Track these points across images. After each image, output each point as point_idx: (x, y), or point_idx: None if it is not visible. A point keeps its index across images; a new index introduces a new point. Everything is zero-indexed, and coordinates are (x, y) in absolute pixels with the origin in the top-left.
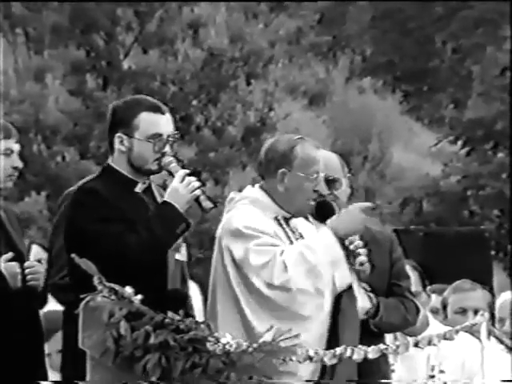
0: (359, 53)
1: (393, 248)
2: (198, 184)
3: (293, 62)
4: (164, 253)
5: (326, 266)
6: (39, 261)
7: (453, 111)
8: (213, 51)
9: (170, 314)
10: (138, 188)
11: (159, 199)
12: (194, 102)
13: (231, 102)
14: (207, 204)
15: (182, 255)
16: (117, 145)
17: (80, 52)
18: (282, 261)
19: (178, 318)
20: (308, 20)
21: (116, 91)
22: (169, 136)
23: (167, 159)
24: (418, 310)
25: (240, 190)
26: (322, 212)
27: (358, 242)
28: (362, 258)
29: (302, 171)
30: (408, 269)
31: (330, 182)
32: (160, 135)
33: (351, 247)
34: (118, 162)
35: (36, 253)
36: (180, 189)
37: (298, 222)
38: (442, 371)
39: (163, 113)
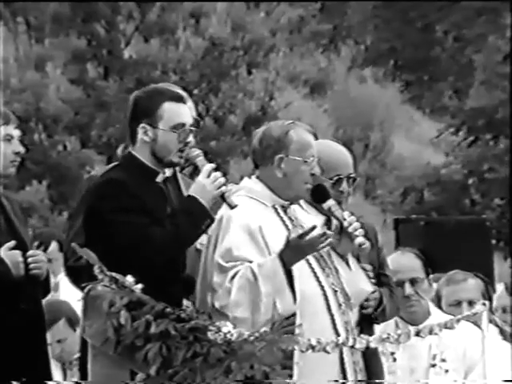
0: (361, 42)
1: (377, 238)
2: (224, 180)
3: (294, 51)
4: (187, 248)
5: (266, 297)
6: (50, 260)
7: (454, 100)
8: (214, 40)
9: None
10: (159, 178)
11: (184, 189)
12: (195, 91)
13: (232, 91)
14: (232, 201)
15: (202, 245)
16: (140, 135)
17: (81, 41)
18: (228, 286)
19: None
20: (309, 9)
21: (117, 80)
22: (191, 126)
23: (194, 152)
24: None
25: (241, 179)
26: (318, 196)
27: (356, 224)
28: (361, 240)
29: (299, 155)
30: (412, 257)
31: (350, 180)
32: (183, 125)
33: (349, 229)
34: (140, 152)
35: (52, 251)
36: (207, 184)
37: (297, 210)
38: (443, 360)
39: (185, 102)
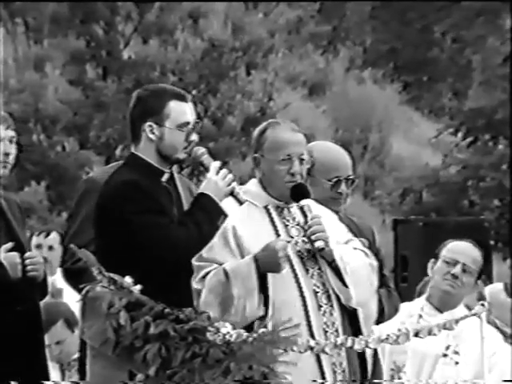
0: (359, 43)
1: (374, 238)
2: (232, 177)
3: (292, 52)
4: (204, 246)
5: (237, 300)
6: (51, 247)
7: (453, 101)
8: (213, 41)
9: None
10: (164, 178)
11: (181, 189)
12: (194, 92)
13: (231, 92)
14: (242, 197)
15: None
16: (147, 134)
17: (80, 42)
18: (196, 288)
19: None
20: (308, 10)
21: (116, 81)
22: (194, 124)
23: (199, 150)
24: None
25: (240, 180)
26: (297, 195)
27: (315, 228)
28: (319, 243)
29: (272, 154)
30: (477, 251)
31: (349, 181)
32: (188, 123)
33: (307, 233)
34: (145, 152)
35: (53, 238)
36: (218, 181)
37: (307, 209)
38: (456, 352)
39: (187, 101)
